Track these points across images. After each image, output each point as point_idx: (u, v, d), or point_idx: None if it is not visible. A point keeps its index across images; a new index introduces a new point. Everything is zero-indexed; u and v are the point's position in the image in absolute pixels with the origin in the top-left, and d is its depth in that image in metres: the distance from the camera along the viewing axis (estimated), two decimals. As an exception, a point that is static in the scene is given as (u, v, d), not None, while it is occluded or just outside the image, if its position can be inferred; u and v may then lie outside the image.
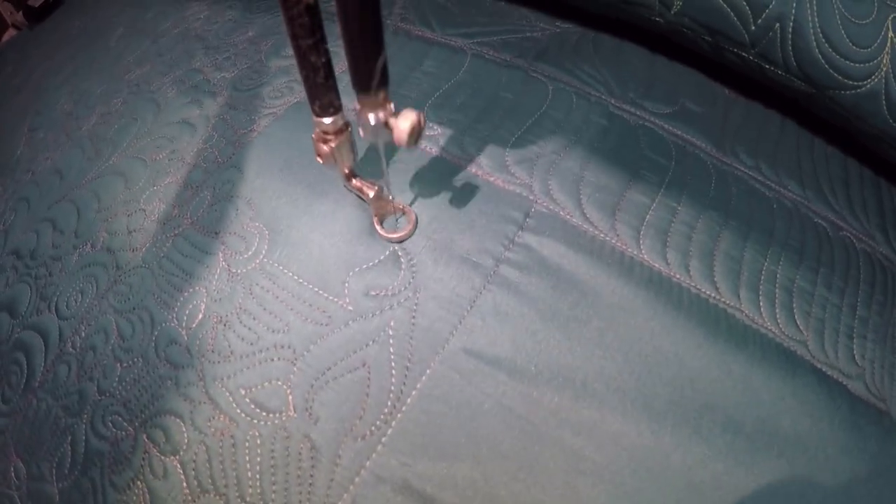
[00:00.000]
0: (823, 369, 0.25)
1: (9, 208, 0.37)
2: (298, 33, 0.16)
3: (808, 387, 0.24)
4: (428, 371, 0.22)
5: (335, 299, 0.24)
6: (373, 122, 0.18)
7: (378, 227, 0.25)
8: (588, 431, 0.22)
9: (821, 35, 0.29)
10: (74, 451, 0.27)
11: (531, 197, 0.27)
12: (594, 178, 0.28)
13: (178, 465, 0.24)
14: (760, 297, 0.26)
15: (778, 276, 0.27)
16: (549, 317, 0.24)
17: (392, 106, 0.19)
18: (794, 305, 0.26)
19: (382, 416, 0.22)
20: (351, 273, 0.25)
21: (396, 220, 0.25)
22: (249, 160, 0.30)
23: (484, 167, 0.28)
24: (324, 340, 0.23)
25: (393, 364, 0.23)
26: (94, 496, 0.25)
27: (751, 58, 0.32)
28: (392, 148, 0.23)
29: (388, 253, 0.25)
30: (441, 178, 0.28)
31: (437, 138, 0.29)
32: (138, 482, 0.25)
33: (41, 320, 0.30)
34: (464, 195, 0.27)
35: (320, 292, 0.24)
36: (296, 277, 0.25)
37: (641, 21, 0.34)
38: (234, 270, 0.26)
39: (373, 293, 0.24)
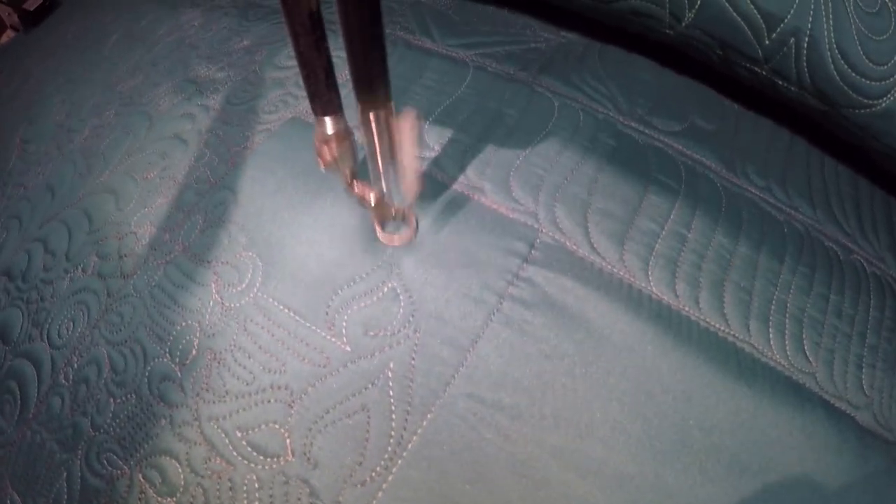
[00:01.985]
0: (832, 401, 0.25)
1: (1, 226, 0.36)
2: (299, 31, 0.16)
3: (816, 421, 0.24)
4: (429, 416, 0.22)
5: (333, 339, 0.23)
6: (374, 124, 0.18)
7: (379, 231, 0.25)
8: (594, 475, 0.21)
9: (836, 51, 0.28)
10: (70, 489, 0.26)
11: (536, 226, 0.26)
12: (602, 203, 0.27)
13: (176, 507, 0.23)
14: (770, 329, 0.25)
15: (788, 305, 0.26)
16: (553, 357, 0.23)
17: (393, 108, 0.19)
18: (804, 336, 0.26)
19: (383, 462, 0.21)
20: (349, 310, 0.24)
21: (397, 225, 0.25)
22: (243, 181, 0.29)
23: (487, 192, 0.27)
24: (322, 382, 0.23)
25: (393, 408, 0.22)
26: (92, 534, 0.25)
27: (764, 73, 0.30)
28: (392, 154, 0.22)
29: (386, 290, 0.24)
30: (441, 204, 0.27)
31: (437, 159, 0.28)
32: (135, 522, 0.24)
33: (34, 348, 0.30)
34: (466, 224, 0.26)
35: (317, 330, 0.24)
36: (291, 314, 0.24)
37: (650, 33, 0.33)
38: (227, 304, 0.25)
39: (371, 333, 0.23)
